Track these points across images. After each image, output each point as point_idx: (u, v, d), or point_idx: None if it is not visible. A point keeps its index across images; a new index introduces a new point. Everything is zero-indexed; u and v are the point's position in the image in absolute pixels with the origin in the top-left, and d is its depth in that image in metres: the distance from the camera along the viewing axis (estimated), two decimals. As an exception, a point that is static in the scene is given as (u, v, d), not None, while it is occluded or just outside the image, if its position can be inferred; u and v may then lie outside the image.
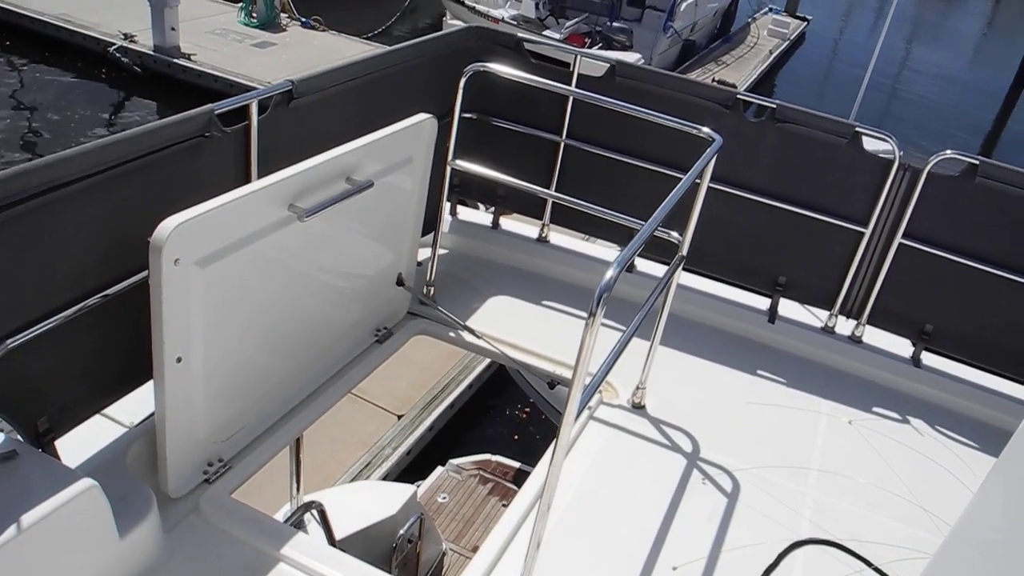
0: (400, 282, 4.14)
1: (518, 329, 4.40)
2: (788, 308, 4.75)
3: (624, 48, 15.98)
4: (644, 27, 17.69)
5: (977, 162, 4.12)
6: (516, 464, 7.26)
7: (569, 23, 16.79)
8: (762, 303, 4.76)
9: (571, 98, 4.63)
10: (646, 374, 3.96)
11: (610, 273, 2.31)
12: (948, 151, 4.19)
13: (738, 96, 4.44)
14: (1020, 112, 22.85)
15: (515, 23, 16.68)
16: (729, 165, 4.40)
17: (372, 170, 3.49)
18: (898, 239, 4.35)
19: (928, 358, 4.57)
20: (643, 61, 15.05)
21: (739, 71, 19.18)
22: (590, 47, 16.12)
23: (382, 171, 3.57)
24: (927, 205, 4.25)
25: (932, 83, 24.07)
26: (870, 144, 4.33)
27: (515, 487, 6.85)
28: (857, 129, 4.27)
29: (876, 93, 22.48)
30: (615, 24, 16.67)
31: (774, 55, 21.14)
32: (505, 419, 9.09)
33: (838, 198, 4.42)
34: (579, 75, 4.58)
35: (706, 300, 4.77)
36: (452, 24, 17.40)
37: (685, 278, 4.66)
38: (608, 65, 4.61)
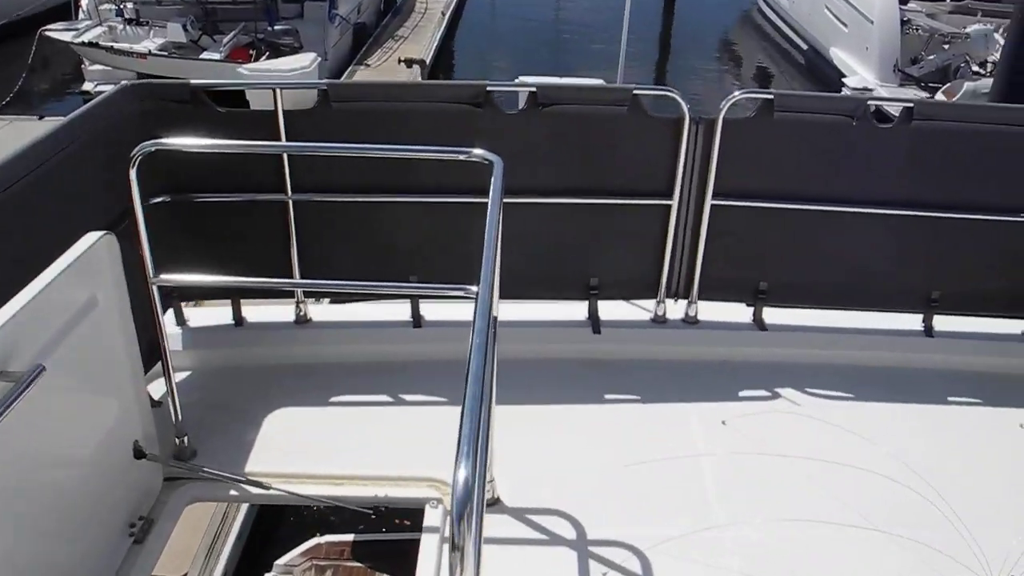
0: (139, 453, 2.96)
1: (308, 452, 3.37)
2: (612, 310, 4.08)
3: (294, 51, 14.73)
4: (309, 22, 16.48)
5: (772, 96, 3.61)
6: (350, 537, 6.21)
7: (227, 38, 15.21)
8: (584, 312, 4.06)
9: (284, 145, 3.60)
10: (489, 461, 3.09)
11: None
12: (736, 92, 3.65)
13: (488, 89, 3.61)
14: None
15: (166, 53, 14.84)
16: (507, 172, 3.60)
17: (35, 348, 2.30)
18: (708, 201, 3.79)
19: (771, 316, 4.09)
20: (319, 60, 13.94)
21: (419, 42, 18.53)
22: (256, 59, 14.71)
23: (53, 341, 2.38)
24: (730, 156, 3.70)
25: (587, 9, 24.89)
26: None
27: (359, 564, 5.88)
28: (635, 92, 3.61)
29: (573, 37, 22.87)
30: (277, 27, 15.30)
31: (447, 16, 20.71)
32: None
33: (635, 174, 3.76)
34: (285, 112, 3.54)
35: (529, 332, 3.98)
36: (93, 71, 15.19)
37: (504, 311, 3.81)
38: (318, 90, 3.59)
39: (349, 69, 16.41)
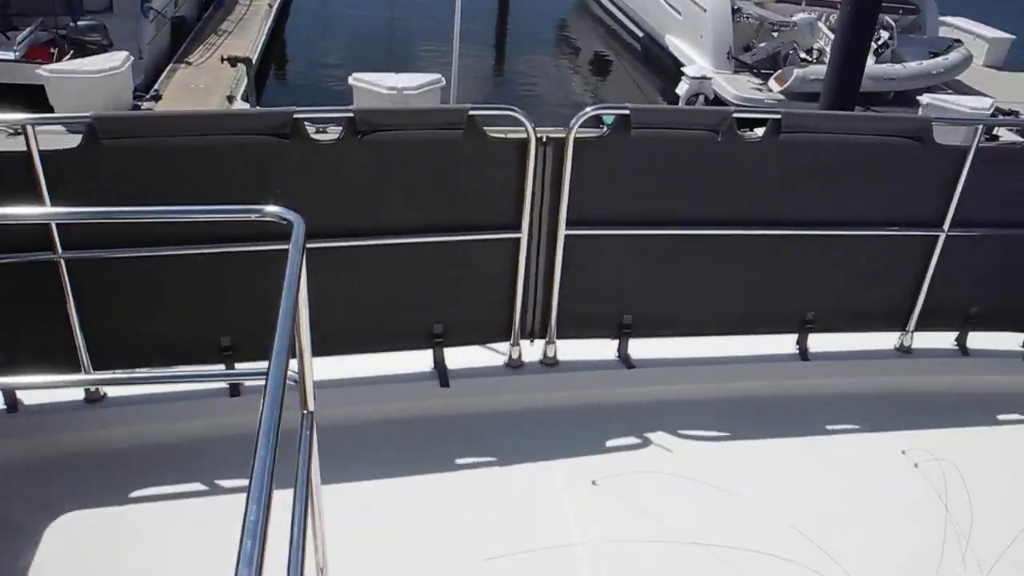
0: None
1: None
2: (461, 358, 3.60)
3: (103, 48, 13.36)
4: (119, 16, 15.04)
5: (628, 111, 3.20)
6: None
7: (23, 35, 13.66)
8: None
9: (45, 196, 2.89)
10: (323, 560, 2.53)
11: None
12: (589, 108, 3.22)
13: (296, 116, 3.01)
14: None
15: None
16: (326, 217, 3.03)
17: None
18: (562, 231, 3.35)
19: (637, 351, 3.72)
20: (131, 59, 12.69)
21: (246, 37, 17.36)
22: (59, 58, 13.27)
23: None
24: (584, 180, 3.28)
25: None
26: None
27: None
28: (471, 112, 3.12)
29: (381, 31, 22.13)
30: (81, 23, 13.82)
31: (275, 8, 19.51)
32: None
33: (478, 205, 3.28)
34: (43, 154, 2.83)
35: (361, 391, 3.44)
36: None
37: (330, 370, 3.22)
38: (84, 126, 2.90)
39: (168, 68, 15.14)
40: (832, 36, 15.30)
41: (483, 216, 3.28)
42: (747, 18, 16.04)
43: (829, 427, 3.62)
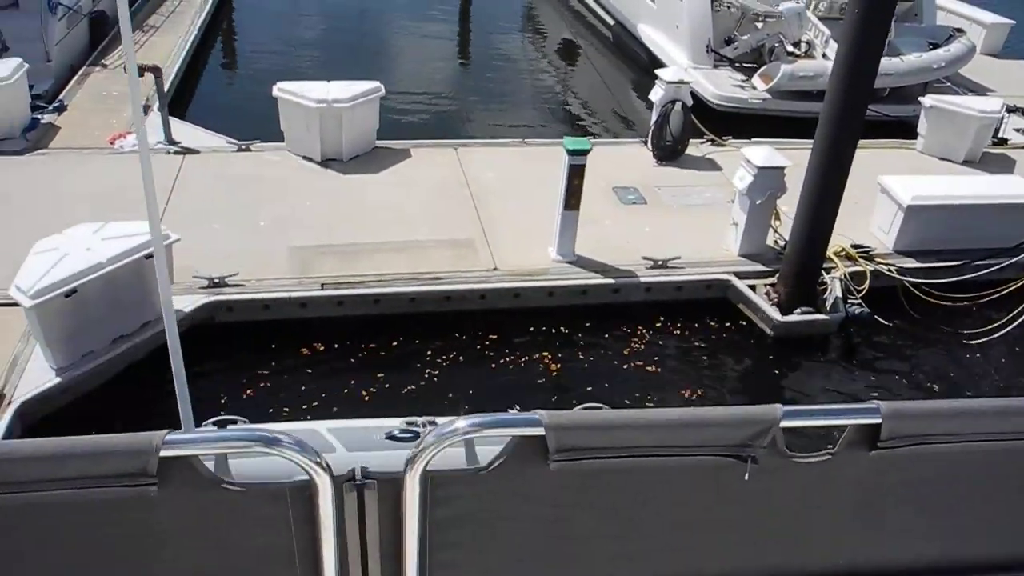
0: None
1: None
2: None
3: (-3, 53, 11.72)
4: (23, 14, 13.33)
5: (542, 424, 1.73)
6: None
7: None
8: None
9: None
10: None
11: None
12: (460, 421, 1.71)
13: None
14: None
15: None
16: None
17: None
18: None
19: None
20: (25, 67, 11.03)
21: (176, 32, 15.66)
22: (-55, 66, 11.56)
23: None
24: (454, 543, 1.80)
25: None
26: None
27: None
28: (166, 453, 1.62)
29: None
30: (-30, 25, 12.13)
31: (211, 2, 17.71)
32: None
33: None
34: None
35: None
36: None
37: None
38: None
39: (80, 72, 13.45)
40: (823, 27, 13.84)
41: None
42: (727, 7, 14.53)
43: None
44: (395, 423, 4.48)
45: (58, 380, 7.07)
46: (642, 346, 8.65)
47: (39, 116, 11.53)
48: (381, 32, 19.21)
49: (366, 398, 7.74)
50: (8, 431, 6.63)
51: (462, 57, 18.43)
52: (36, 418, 6.95)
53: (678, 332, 8.90)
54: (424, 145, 11.63)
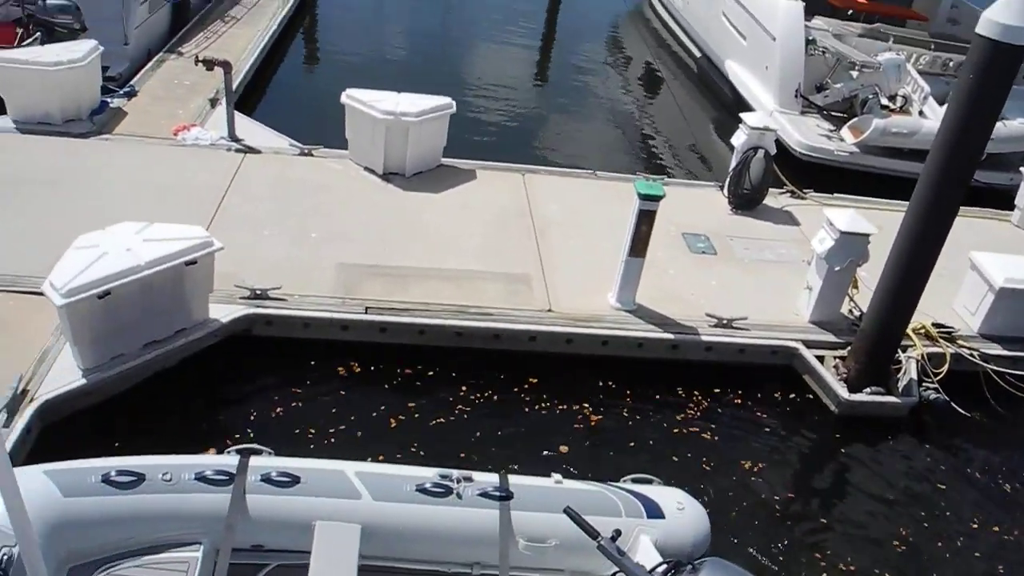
0: None
1: None
2: None
3: (73, 33, 11.62)
4: (102, -6, 13.21)
5: None
6: None
7: (-8, 8, 11.95)
8: None
9: None
10: None
11: None
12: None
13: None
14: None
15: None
16: None
17: None
18: None
19: None
20: (100, 50, 10.89)
21: (256, 25, 15.54)
22: (22, 41, 11.53)
23: None
24: None
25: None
26: None
27: None
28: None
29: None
30: (51, 1, 12.04)
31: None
32: None
33: None
34: None
35: None
36: None
37: None
38: None
39: (156, 59, 13.36)
40: (922, 83, 13.10)
41: None
42: (823, 52, 13.86)
43: None
44: (428, 474, 3.94)
45: (83, 382, 6.80)
46: (696, 410, 8.08)
47: (109, 100, 11.41)
48: (462, 46, 18.91)
49: (393, 424, 7.34)
50: (27, 429, 6.39)
51: (539, 79, 17.99)
52: (57, 417, 6.71)
53: (736, 398, 8.31)
54: (490, 167, 11.21)
